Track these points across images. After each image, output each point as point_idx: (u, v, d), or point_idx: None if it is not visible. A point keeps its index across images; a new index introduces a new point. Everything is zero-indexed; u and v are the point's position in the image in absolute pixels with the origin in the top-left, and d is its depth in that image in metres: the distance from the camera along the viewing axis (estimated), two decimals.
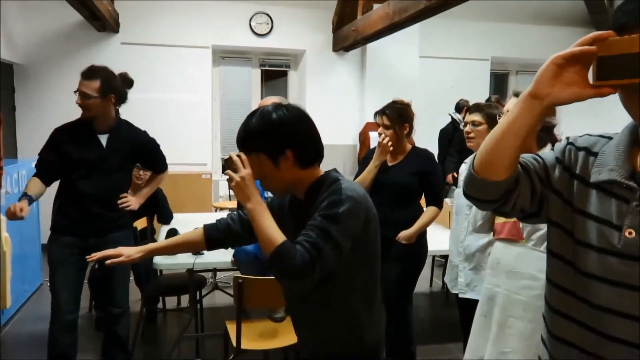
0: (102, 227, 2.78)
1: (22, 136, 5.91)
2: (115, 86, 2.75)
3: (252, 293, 2.55)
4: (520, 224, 2.19)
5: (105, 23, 5.68)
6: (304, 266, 1.29)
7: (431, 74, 6.93)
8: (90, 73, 2.70)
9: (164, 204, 3.97)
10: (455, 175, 5.76)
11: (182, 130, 6.27)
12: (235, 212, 1.70)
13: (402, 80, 6.56)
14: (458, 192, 2.81)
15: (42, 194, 2.78)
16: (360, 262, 1.46)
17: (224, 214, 1.82)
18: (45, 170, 2.78)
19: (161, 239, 3.44)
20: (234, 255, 3.00)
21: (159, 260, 3.07)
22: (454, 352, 3.51)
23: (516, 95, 2.32)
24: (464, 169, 2.79)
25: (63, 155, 2.74)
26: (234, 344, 2.60)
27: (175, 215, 4.05)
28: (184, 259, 3.08)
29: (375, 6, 5.62)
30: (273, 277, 2.67)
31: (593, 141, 1.05)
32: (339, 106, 6.76)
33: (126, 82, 2.86)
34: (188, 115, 6.42)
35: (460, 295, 2.72)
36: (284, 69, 7.16)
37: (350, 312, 1.48)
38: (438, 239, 3.27)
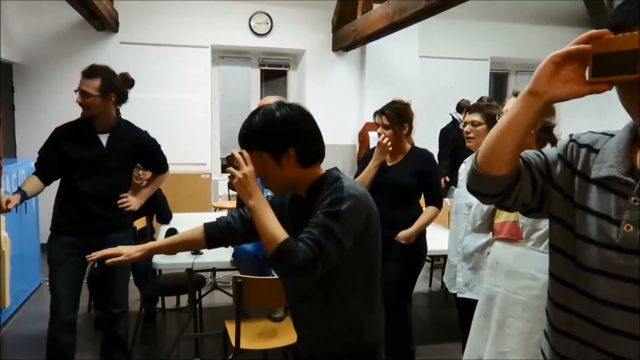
0: (102, 227, 2.77)
1: (21, 136, 5.90)
2: (116, 85, 2.74)
3: (251, 293, 2.55)
4: (520, 224, 2.19)
5: (104, 22, 5.68)
6: (306, 263, 1.29)
7: (431, 73, 6.93)
8: (91, 72, 2.69)
9: (164, 204, 3.97)
10: (448, 180, 5.77)
11: (181, 130, 6.27)
12: (235, 211, 1.70)
13: (402, 80, 6.56)
14: (457, 192, 2.81)
15: (38, 192, 2.77)
16: (361, 260, 1.46)
17: (223, 214, 1.82)
18: (44, 169, 2.78)
19: (160, 239, 3.44)
20: (233, 255, 3.00)
21: (158, 260, 3.06)
22: (453, 352, 3.51)
23: (515, 95, 2.32)
24: (463, 168, 2.79)
25: (63, 154, 2.73)
26: (233, 343, 2.60)
27: (174, 214, 4.05)
28: (183, 259, 3.08)
29: (375, 6, 5.62)
30: (272, 277, 2.68)
31: (595, 138, 1.08)
32: (339, 106, 6.76)
33: (127, 82, 2.86)
34: (187, 115, 6.42)
35: (459, 295, 2.72)
36: (283, 68, 7.15)
37: (350, 311, 1.48)
38: (437, 239, 3.27)
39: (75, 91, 2.70)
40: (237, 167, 1.40)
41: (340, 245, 1.35)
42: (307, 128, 1.48)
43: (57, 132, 2.79)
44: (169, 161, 3.12)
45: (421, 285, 4.87)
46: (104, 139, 2.78)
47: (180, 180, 5.59)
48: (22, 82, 5.94)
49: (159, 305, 4.02)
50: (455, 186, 2.89)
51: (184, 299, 3.87)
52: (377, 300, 1.55)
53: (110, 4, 5.74)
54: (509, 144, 1.00)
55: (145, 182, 3.45)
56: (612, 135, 1.07)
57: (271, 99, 2.63)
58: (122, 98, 2.81)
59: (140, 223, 3.72)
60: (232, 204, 5.61)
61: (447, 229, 2.97)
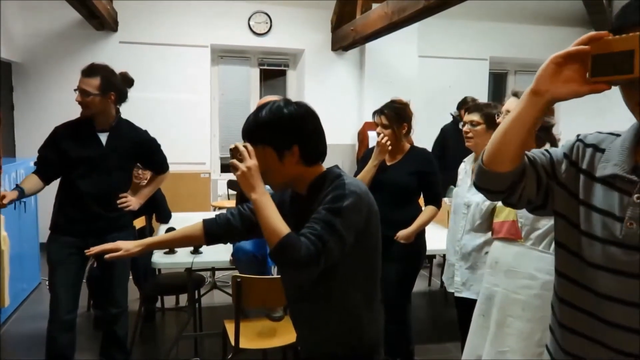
0: (102, 227, 2.76)
1: (20, 135, 5.90)
2: (116, 84, 2.74)
3: (250, 292, 2.55)
4: (519, 224, 2.20)
5: (103, 22, 5.68)
6: (309, 258, 1.29)
7: (430, 73, 6.93)
8: (91, 71, 2.69)
9: (163, 203, 3.97)
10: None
11: (180, 130, 6.26)
12: (235, 208, 1.70)
13: (401, 79, 6.56)
14: (456, 191, 2.81)
15: (37, 190, 2.77)
16: (362, 258, 1.47)
17: None
18: (44, 168, 2.77)
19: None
20: (232, 255, 3.00)
21: (157, 259, 3.06)
22: (453, 352, 3.51)
23: (514, 94, 2.32)
24: (462, 167, 2.80)
25: (62, 153, 2.73)
26: (233, 343, 2.60)
27: (173, 214, 4.05)
28: (183, 258, 3.08)
29: (374, 6, 5.62)
30: (271, 277, 2.69)
31: (602, 138, 1.11)
32: (338, 105, 6.76)
33: (126, 81, 2.86)
34: (187, 115, 6.41)
35: (456, 294, 2.72)
36: (282, 68, 7.15)
37: (350, 310, 1.49)
38: (437, 239, 3.28)
39: (75, 90, 2.70)
40: (241, 160, 1.39)
41: (342, 241, 1.36)
42: (312, 126, 1.49)
43: (57, 131, 2.79)
44: (168, 160, 3.12)
45: (420, 284, 4.87)
46: (103, 138, 2.77)
47: (180, 180, 5.59)
48: (22, 82, 5.93)
49: (158, 304, 4.02)
50: (455, 185, 2.89)
51: (183, 299, 3.87)
52: (377, 299, 1.55)
53: (109, 4, 5.73)
54: (513, 142, 1.03)
55: (145, 181, 3.46)
56: (618, 136, 1.09)
57: (270, 99, 2.63)
58: (122, 97, 2.81)
59: (139, 222, 3.72)
60: (232, 203, 5.61)
61: (446, 229, 2.98)
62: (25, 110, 5.93)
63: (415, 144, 3.21)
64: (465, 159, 2.81)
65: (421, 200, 3.13)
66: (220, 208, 5.68)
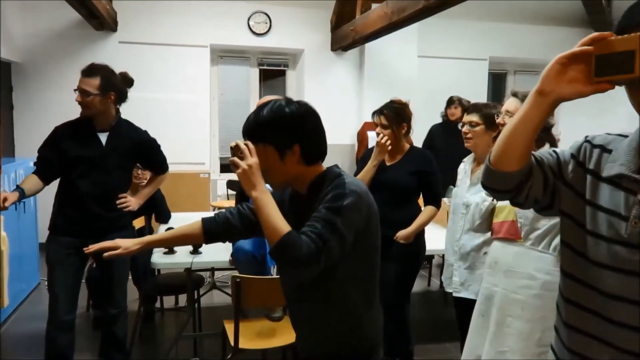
0: (102, 228, 2.75)
1: (20, 135, 5.89)
2: (115, 84, 2.74)
3: (250, 292, 2.55)
4: (518, 224, 2.20)
5: (103, 22, 5.68)
6: (309, 256, 1.29)
7: (429, 73, 6.93)
8: (91, 71, 2.69)
9: (162, 203, 3.97)
10: None
11: (180, 130, 6.26)
12: (234, 207, 1.70)
13: (401, 79, 6.56)
14: (455, 191, 2.81)
15: (37, 191, 2.76)
16: (361, 257, 1.47)
17: None
18: (44, 168, 2.77)
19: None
20: (232, 255, 3.00)
21: (157, 259, 3.06)
22: (452, 352, 3.51)
23: (514, 95, 2.32)
24: (462, 168, 2.80)
25: (62, 152, 2.73)
26: (232, 343, 2.60)
27: (173, 214, 4.05)
28: (182, 258, 3.08)
29: (374, 6, 5.62)
30: (271, 277, 2.68)
31: (610, 139, 1.12)
32: (337, 106, 6.76)
33: (126, 81, 2.85)
34: (186, 115, 6.41)
35: (454, 294, 2.72)
36: (282, 68, 7.15)
37: (350, 309, 1.49)
38: (436, 239, 3.27)
39: (75, 90, 2.70)
40: (242, 158, 1.39)
41: (343, 240, 1.36)
42: (314, 126, 1.49)
43: (57, 131, 2.79)
44: (167, 160, 3.12)
45: (420, 284, 4.87)
46: (103, 138, 2.77)
47: (179, 180, 5.59)
48: (21, 82, 5.93)
49: (158, 304, 4.02)
50: (454, 185, 2.89)
51: (183, 299, 3.87)
52: (376, 298, 1.55)
53: (109, 4, 5.73)
54: (520, 141, 1.05)
55: (145, 182, 3.45)
56: (626, 137, 1.11)
57: (270, 99, 2.63)
58: (122, 97, 2.81)
59: (138, 222, 3.72)
60: (231, 203, 5.61)
61: (445, 229, 2.98)
62: (24, 110, 5.93)
63: (415, 144, 3.21)
64: (464, 159, 2.81)
65: (421, 201, 3.13)
66: (219, 208, 5.68)
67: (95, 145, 2.75)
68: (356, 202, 1.39)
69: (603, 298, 1.06)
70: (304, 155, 1.46)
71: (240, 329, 2.59)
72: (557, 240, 2.11)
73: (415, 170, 2.98)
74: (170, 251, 3.14)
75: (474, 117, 2.62)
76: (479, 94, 6.82)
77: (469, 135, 2.62)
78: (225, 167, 6.88)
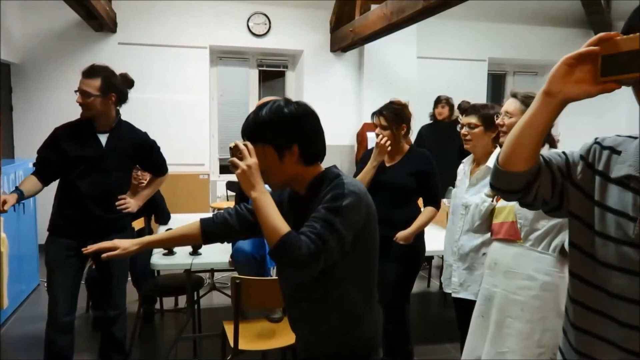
0: (101, 229, 2.74)
1: (19, 136, 5.89)
2: (116, 85, 2.74)
3: (249, 293, 2.55)
4: (518, 225, 2.20)
5: (102, 23, 5.68)
6: (309, 256, 1.29)
7: (429, 74, 6.93)
8: (91, 72, 2.69)
9: (162, 205, 3.97)
10: None
11: (179, 131, 6.26)
12: (232, 207, 1.70)
13: (400, 80, 6.57)
14: (454, 192, 2.81)
15: (36, 192, 2.76)
16: (360, 258, 1.47)
17: None
18: (43, 169, 2.77)
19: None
20: (231, 256, 3.00)
21: (156, 260, 3.06)
22: (452, 352, 3.51)
23: (514, 95, 2.32)
24: (461, 168, 2.80)
25: (62, 153, 2.72)
26: (232, 344, 2.59)
27: (172, 215, 4.05)
28: (182, 260, 3.08)
29: (373, 7, 5.62)
30: (270, 278, 2.68)
31: (619, 141, 1.13)
32: (337, 107, 6.76)
33: (127, 82, 2.85)
34: (185, 116, 6.41)
35: (453, 295, 2.72)
36: (281, 69, 7.15)
37: (349, 309, 1.49)
38: (436, 240, 3.27)
39: (76, 91, 2.69)
40: (241, 158, 1.40)
41: (342, 240, 1.36)
42: (312, 126, 1.49)
43: (57, 132, 2.78)
44: (167, 161, 3.11)
45: (419, 285, 4.87)
46: (103, 138, 2.77)
47: (179, 181, 5.59)
48: (21, 83, 5.93)
49: (157, 306, 4.02)
50: (454, 186, 2.89)
51: (182, 300, 3.88)
52: (375, 298, 1.55)
53: (108, 4, 5.73)
54: (528, 142, 1.06)
55: (145, 183, 3.45)
56: (636, 138, 1.11)
57: (270, 99, 2.63)
58: (122, 98, 2.81)
59: (138, 224, 3.71)
60: (230, 204, 5.60)
61: (444, 229, 2.98)
62: (24, 111, 5.93)
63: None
64: (464, 160, 2.81)
65: (420, 202, 3.13)
66: (219, 209, 5.66)
67: (95, 146, 2.75)
68: (355, 203, 1.39)
69: (611, 299, 1.07)
70: (302, 156, 1.46)
71: (239, 330, 2.59)
72: (556, 241, 2.11)
73: (415, 171, 2.98)
74: (170, 252, 3.14)
75: (472, 119, 2.62)
76: (478, 95, 6.82)
77: (468, 137, 2.62)
78: (224, 168, 6.88)
